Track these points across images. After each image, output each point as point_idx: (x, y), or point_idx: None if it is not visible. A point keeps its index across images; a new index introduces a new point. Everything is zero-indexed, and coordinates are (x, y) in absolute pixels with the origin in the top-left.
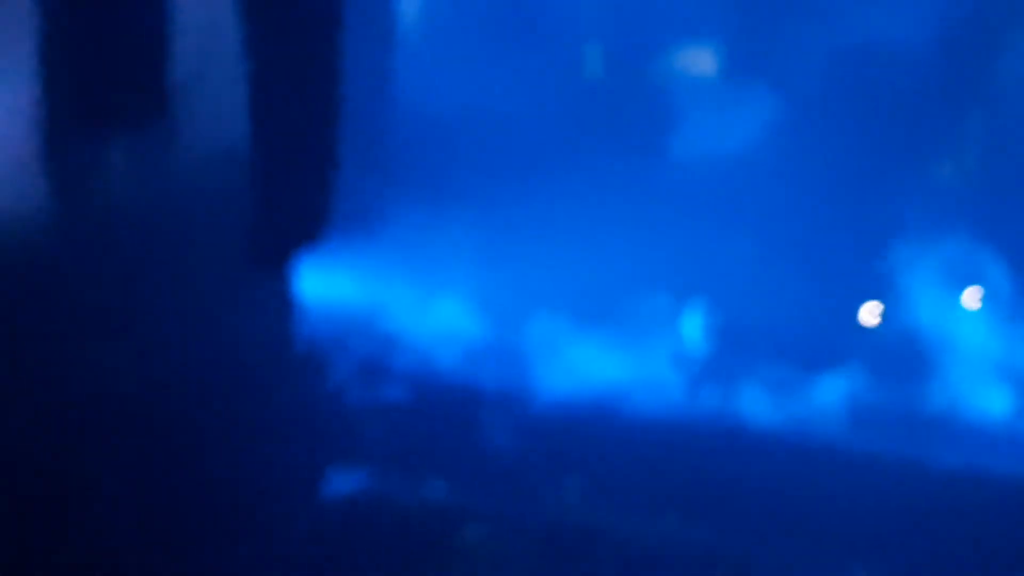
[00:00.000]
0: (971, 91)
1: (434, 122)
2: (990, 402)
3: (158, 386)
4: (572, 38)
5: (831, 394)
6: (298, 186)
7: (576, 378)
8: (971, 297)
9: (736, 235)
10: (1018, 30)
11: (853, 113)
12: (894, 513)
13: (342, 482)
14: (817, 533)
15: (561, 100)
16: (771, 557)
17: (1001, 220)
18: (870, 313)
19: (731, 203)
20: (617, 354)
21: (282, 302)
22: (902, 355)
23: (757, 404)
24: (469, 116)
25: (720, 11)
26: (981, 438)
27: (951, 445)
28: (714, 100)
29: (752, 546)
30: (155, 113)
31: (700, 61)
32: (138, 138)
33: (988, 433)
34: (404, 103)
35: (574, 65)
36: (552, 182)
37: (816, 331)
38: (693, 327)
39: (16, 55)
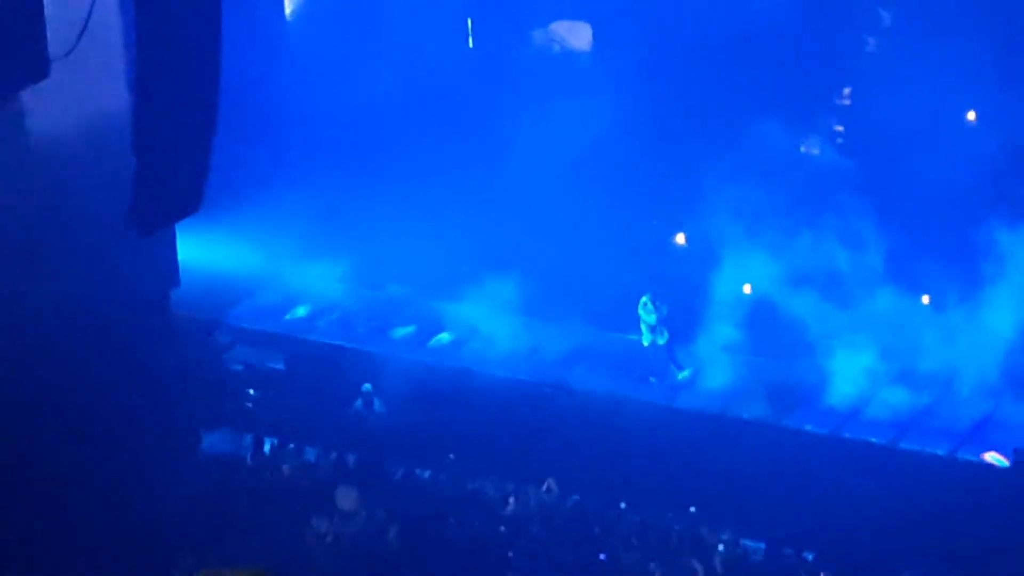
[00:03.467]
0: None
1: (311, 102)
2: None
3: (43, 351)
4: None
5: None
6: (176, 155)
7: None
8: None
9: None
10: None
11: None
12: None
13: (219, 443)
14: None
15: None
16: None
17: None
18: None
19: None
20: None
21: (160, 268)
22: None
23: None
24: (340, 101)
25: None
26: None
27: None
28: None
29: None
30: (36, 80)
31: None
32: (17, 104)
33: None
34: (282, 81)
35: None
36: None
37: None
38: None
39: None
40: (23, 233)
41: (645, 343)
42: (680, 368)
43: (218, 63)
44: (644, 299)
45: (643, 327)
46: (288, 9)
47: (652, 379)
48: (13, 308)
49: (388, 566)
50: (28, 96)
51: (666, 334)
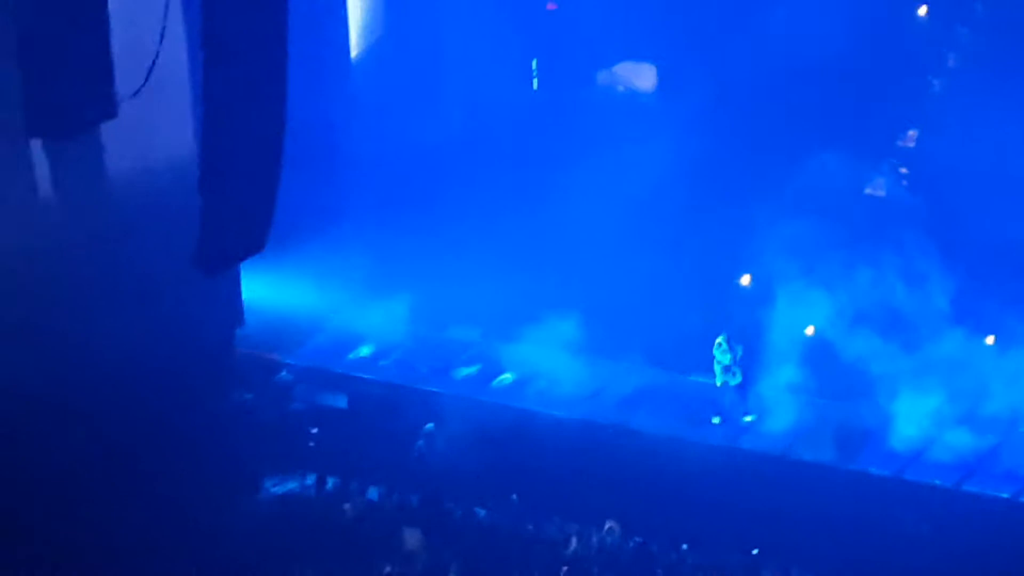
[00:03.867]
0: None
1: (376, 142)
2: None
3: (107, 385)
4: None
5: None
6: (242, 195)
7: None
8: None
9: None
10: None
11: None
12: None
13: (283, 482)
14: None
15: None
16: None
17: None
18: None
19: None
20: (536, 364)
21: (225, 308)
22: None
23: None
24: (404, 142)
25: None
26: None
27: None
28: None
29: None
30: (103, 119)
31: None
32: (87, 143)
33: None
34: (347, 122)
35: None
36: (489, 197)
37: None
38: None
39: None
40: (93, 272)
41: (718, 383)
42: (748, 412)
43: (284, 104)
44: (720, 339)
45: (716, 367)
46: (354, 51)
47: (716, 420)
48: (84, 346)
49: None
50: (97, 136)
51: (739, 375)
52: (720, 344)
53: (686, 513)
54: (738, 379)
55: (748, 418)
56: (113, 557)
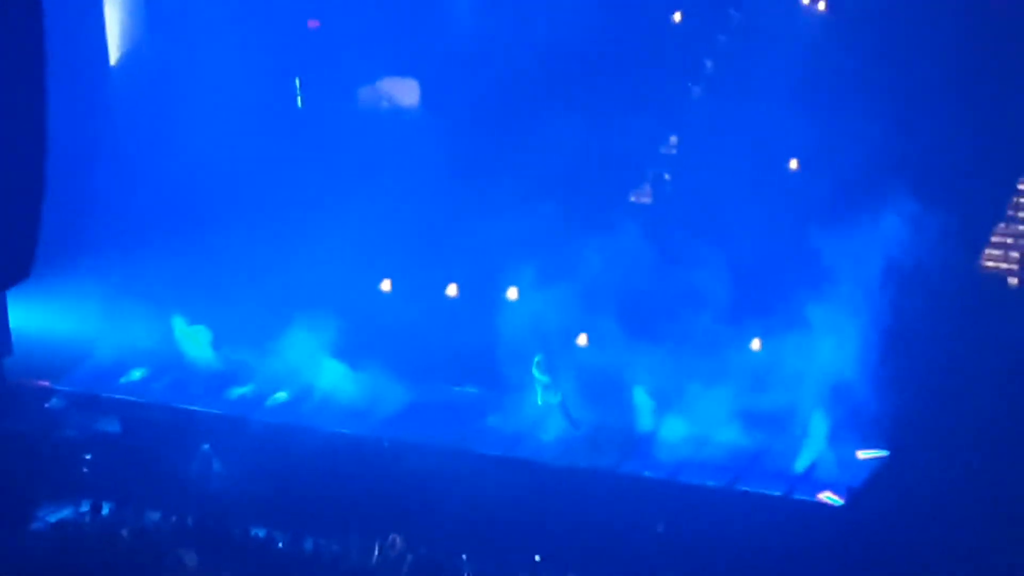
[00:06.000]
0: None
1: (141, 163)
2: None
3: None
4: None
5: None
6: (3, 222)
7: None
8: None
9: None
10: None
11: None
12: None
13: (56, 510)
14: None
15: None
16: None
17: None
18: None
19: None
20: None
21: None
22: None
23: None
24: (170, 160)
25: None
26: None
27: None
28: None
29: None
30: None
31: None
32: None
33: None
34: (110, 142)
35: None
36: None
37: None
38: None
39: None
40: None
41: (539, 403)
42: (577, 426)
43: (44, 120)
44: (536, 359)
45: (537, 387)
46: (113, 60)
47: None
48: None
49: None
50: None
51: (559, 393)
52: (538, 363)
53: (466, 523)
54: (558, 397)
55: (578, 431)
56: None
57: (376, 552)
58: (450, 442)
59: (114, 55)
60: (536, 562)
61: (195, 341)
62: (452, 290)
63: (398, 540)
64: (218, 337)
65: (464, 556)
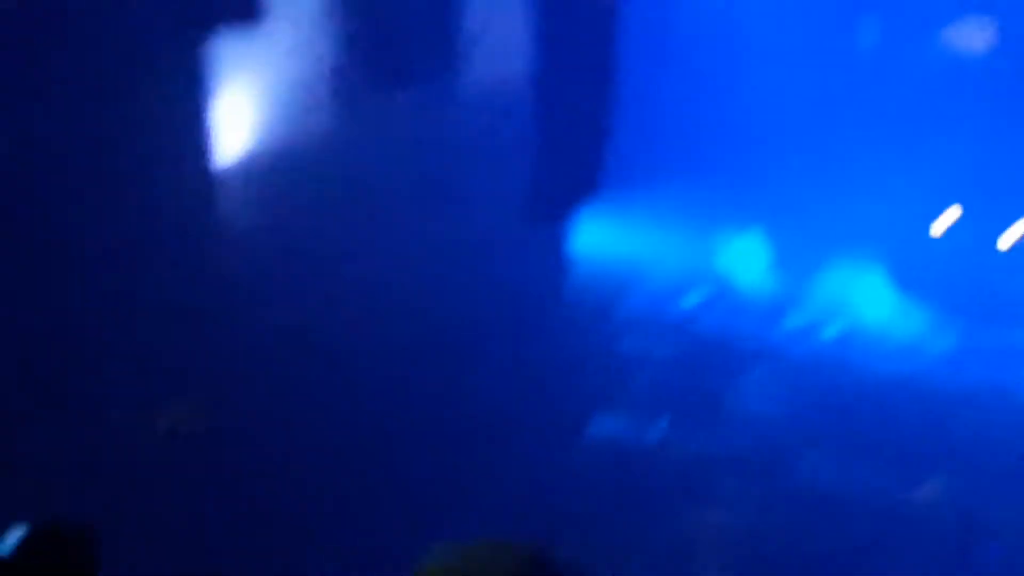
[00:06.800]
0: None
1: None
2: None
3: (439, 330)
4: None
5: None
6: (575, 141)
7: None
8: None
9: None
10: None
11: None
12: None
13: (606, 427)
14: None
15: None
16: None
17: None
18: None
19: None
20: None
21: (558, 253)
22: None
23: None
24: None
25: None
26: None
27: None
28: None
29: None
30: (440, 68)
31: None
32: (424, 92)
33: None
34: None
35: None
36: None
37: None
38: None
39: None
40: (422, 224)
41: None
42: None
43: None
44: None
45: None
46: None
47: None
48: (415, 302)
49: None
50: (433, 83)
51: None
52: None
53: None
54: None
55: None
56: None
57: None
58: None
59: None
60: None
61: (750, 267)
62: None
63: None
64: (773, 263)
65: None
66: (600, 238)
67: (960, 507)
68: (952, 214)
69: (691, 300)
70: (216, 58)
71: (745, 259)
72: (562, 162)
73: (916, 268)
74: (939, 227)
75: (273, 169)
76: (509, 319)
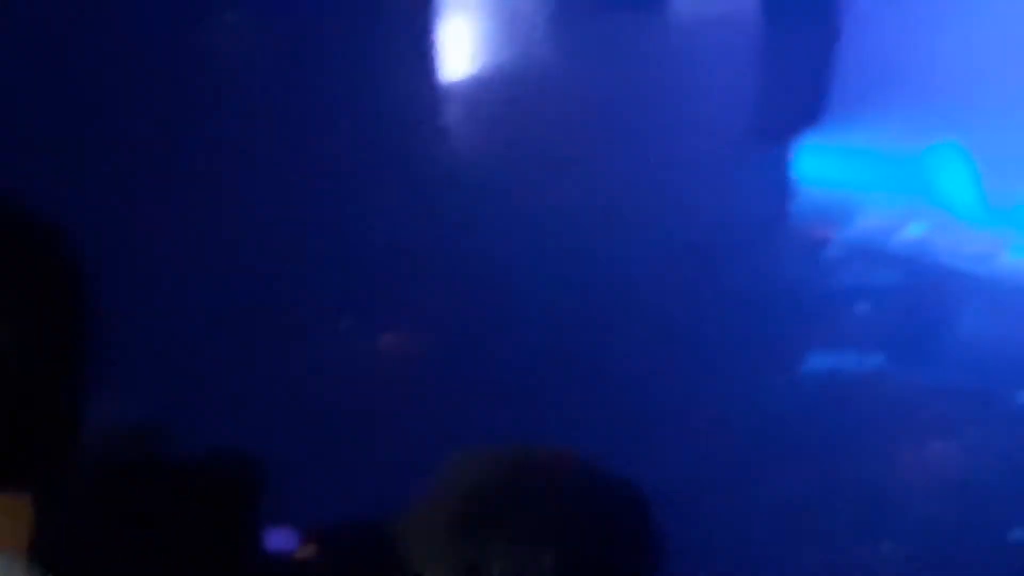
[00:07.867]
0: None
1: None
2: None
3: (657, 255)
4: None
5: None
6: (797, 66)
7: None
8: None
9: None
10: None
11: None
12: None
13: (823, 362)
14: None
15: None
16: None
17: None
18: None
19: None
20: None
21: (780, 181)
22: None
23: None
24: None
25: None
26: None
27: None
28: None
29: None
30: None
31: None
32: (641, 10)
33: None
34: None
35: None
36: None
37: None
38: None
39: None
40: (639, 144)
41: None
42: None
43: None
44: None
45: None
46: None
47: None
48: (632, 222)
49: None
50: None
51: None
52: None
53: None
54: None
55: None
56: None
57: None
58: None
59: None
60: None
61: (969, 195)
62: None
63: None
64: (995, 192)
65: None
66: (822, 164)
67: None
68: None
69: (913, 230)
70: None
71: (964, 187)
72: (786, 86)
73: None
74: None
75: (495, 96)
76: (727, 245)
